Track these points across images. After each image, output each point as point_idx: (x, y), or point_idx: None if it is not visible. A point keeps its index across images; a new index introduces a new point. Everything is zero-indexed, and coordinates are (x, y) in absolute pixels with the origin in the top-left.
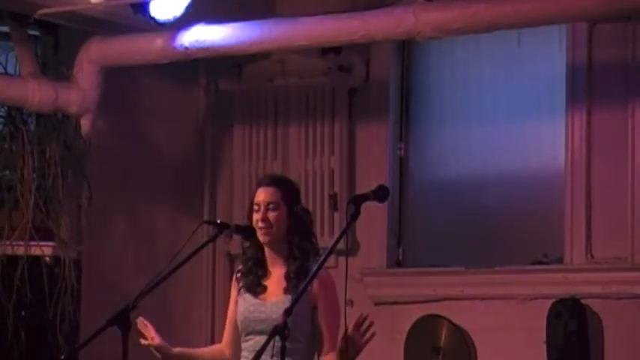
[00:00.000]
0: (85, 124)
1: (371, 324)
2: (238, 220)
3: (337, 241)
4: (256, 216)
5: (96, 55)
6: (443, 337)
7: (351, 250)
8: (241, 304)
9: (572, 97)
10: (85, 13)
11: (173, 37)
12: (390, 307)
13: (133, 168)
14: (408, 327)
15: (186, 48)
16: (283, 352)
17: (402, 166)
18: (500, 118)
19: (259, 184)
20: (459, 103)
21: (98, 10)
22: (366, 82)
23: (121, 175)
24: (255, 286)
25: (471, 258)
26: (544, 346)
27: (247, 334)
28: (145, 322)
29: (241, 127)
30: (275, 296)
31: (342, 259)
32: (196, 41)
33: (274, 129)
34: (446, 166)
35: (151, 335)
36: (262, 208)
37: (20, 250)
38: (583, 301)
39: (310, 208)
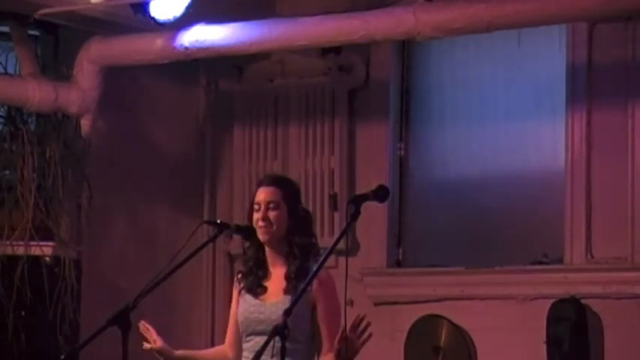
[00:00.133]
0: (85, 124)
1: (368, 324)
2: (238, 220)
3: (337, 241)
4: (257, 215)
5: (96, 55)
6: (443, 337)
7: (351, 250)
8: (242, 305)
9: (572, 97)
10: (85, 13)
11: (173, 37)
12: (390, 307)
13: (133, 168)
14: (408, 327)
15: (186, 48)
16: (283, 352)
17: (402, 166)
18: (500, 118)
19: (260, 184)
20: (459, 103)
21: (98, 10)
22: (366, 82)
23: (121, 175)
24: (256, 287)
25: (471, 258)
26: (544, 346)
27: (248, 335)
28: (147, 325)
29: (241, 127)
30: (275, 297)
31: (342, 259)
32: (196, 41)
33: (274, 129)
34: (446, 166)
35: (153, 338)
36: (263, 207)
37: (20, 250)
38: (583, 301)
39: (310, 208)
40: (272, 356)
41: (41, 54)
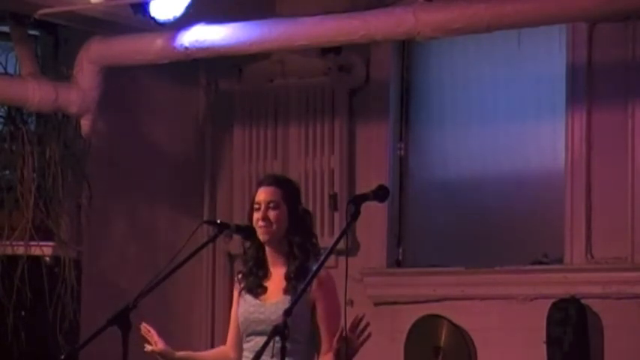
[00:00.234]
0: (85, 124)
1: (367, 324)
2: (238, 220)
3: (337, 241)
4: (257, 215)
5: (96, 55)
6: (443, 337)
7: (351, 250)
8: (242, 305)
9: (572, 97)
10: (85, 13)
11: (173, 37)
12: (390, 307)
13: (133, 168)
14: (408, 327)
15: (186, 48)
16: (283, 352)
17: (402, 166)
18: (500, 118)
19: (260, 184)
20: (459, 103)
21: (98, 10)
22: (366, 82)
23: (121, 175)
24: (256, 287)
25: (471, 258)
26: (544, 346)
27: (248, 335)
28: (148, 327)
29: (241, 127)
30: (275, 297)
31: (342, 259)
32: (196, 41)
33: (274, 129)
34: (446, 166)
35: (154, 340)
36: (263, 207)
37: (20, 250)
38: (583, 301)
39: (310, 208)
40: (272, 356)
41: (41, 54)
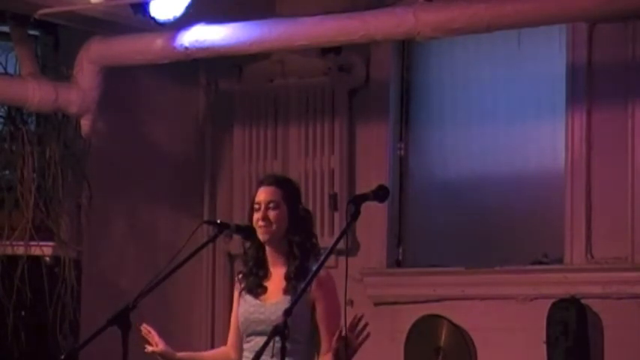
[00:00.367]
0: (85, 124)
1: (366, 324)
2: (238, 220)
3: (337, 241)
4: (257, 215)
5: (96, 55)
6: (443, 337)
7: (351, 250)
8: (242, 306)
9: (572, 97)
10: (85, 13)
11: (173, 37)
12: (390, 307)
13: (133, 168)
14: (408, 327)
15: (186, 48)
16: (283, 352)
17: (402, 166)
18: (500, 118)
19: (260, 184)
20: (459, 103)
21: (98, 10)
22: (366, 82)
23: (121, 175)
24: (256, 287)
25: (471, 258)
26: (544, 346)
27: (248, 335)
28: (149, 328)
29: (241, 127)
30: (275, 297)
31: (342, 259)
32: (196, 41)
33: (274, 129)
34: (446, 166)
35: (155, 341)
36: (263, 206)
37: (20, 250)
38: (583, 301)
39: (310, 208)
40: (272, 356)
41: (41, 54)
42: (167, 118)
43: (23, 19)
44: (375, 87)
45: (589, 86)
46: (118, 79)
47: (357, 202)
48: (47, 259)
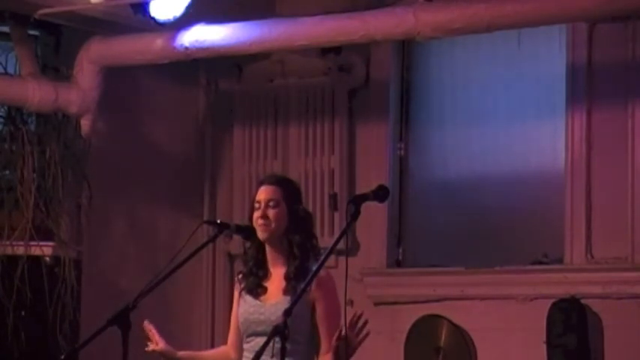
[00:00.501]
0: (85, 124)
1: (366, 322)
2: (238, 220)
3: (337, 241)
4: (256, 213)
5: (96, 55)
6: (443, 337)
7: (351, 250)
8: (242, 306)
9: (572, 97)
10: (85, 13)
11: (173, 37)
12: (390, 307)
13: (133, 168)
14: (408, 327)
15: (186, 48)
16: (283, 352)
17: (402, 166)
18: (500, 118)
19: (261, 183)
20: (459, 103)
21: (98, 10)
22: (366, 82)
23: (121, 175)
24: (256, 288)
25: (471, 258)
26: (544, 346)
27: (248, 336)
28: (150, 326)
29: (241, 127)
30: (275, 297)
31: (342, 259)
32: (196, 41)
33: (274, 129)
34: (446, 166)
35: (156, 339)
36: (262, 205)
37: (20, 250)
38: (583, 301)
39: (310, 208)
40: (272, 356)
41: (41, 54)
42: (167, 118)
43: (23, 19)
44: (375, 87)
45: (589, 86)
46: (118, 79)
47: (357, 202)
48: (47, 259)
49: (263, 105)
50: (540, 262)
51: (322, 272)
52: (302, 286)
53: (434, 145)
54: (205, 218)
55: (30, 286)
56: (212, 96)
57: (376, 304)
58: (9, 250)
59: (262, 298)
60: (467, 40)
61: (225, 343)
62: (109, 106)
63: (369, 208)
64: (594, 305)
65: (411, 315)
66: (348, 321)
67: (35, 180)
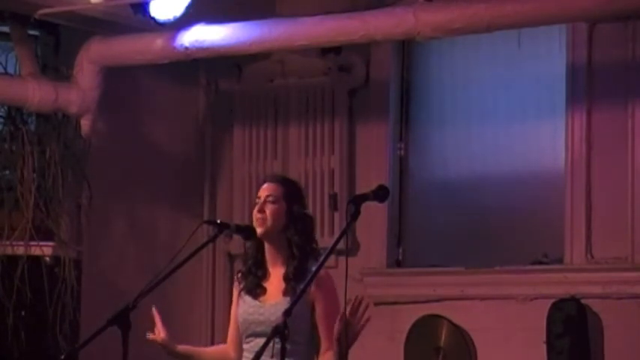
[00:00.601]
0: (85, 124)
1: (367, 306)
2: (238, 220)
3: (337, 241)
4: (255, 208)
5: (96, 55)
6: (443, 337)
7: (351, 250)
8: (241, 306)
9: (572, 97)
10: (85, 13)
11: (173, 37)
12: (390, 307)
13: (133, 168)
14: (408, 327)
15: (186, 48)
16: (283, 352)
17: (402, 166)
18: (500, 118)
19: (264, 181)
20: (459, 103)
21: (98, 10)
22: (366, 82)
23: (121, 175)
24: (255, 288)
25: (471, 258)
26: (544, 346)
27: (248, 336)
28: (157, 313)
29: (241, 127)
30: (274, 298)
31: (342, 259)
32: (196, 41)
33: (274, 129)
34: (446, 166)
35: (158, 328)
36: (262, 200)
37: (20, 250)
38: (583, 301)
39: (310, 208)
40: (272, 357)
41: (41, 54)
42: (167, 118)
43: (23, 19)
44: (375, 87)
45: (589, 86)
46: (118, 79)
47: (357, 202)
48: (47, 259)
49: (263, 105)
50: (540, 262)
51: (322, 272)
52: (301, 286)
53: (434, 145)
54: (205, 218)
55: (30, 286)
56: (212, 96)
57: (376, 304)
58: (9, 250)
59: (262, 298)
60: (467, 40)
61: (224, 342)
62: (109, 106)
63: (369, 208)
64: (594, 305)
65: (411, 315)
66: (349, 306)
67: (35, 180)
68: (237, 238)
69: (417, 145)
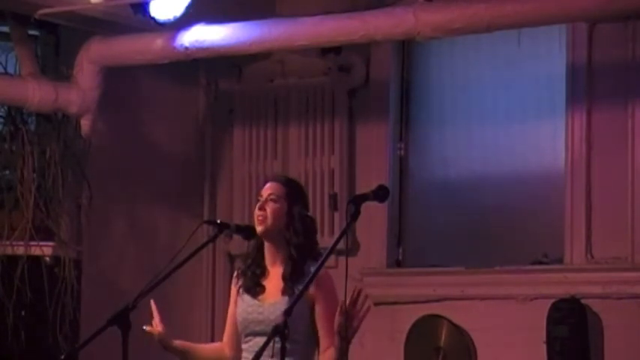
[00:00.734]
0: (85, 124)
1: (367, 297)
2: (238, 220)
3: (337, 241)
4: (257, 206)
5: (96, 55)
6: (443, 337)
7: (351, 250)
8: (240, 305)
9: (572, 97)
10: (85, 13)
11: (173, 37)
12: (390, 307)
13: (133, 168)
14: (408, 327)
15: (186, 48)
16: (283, 352)
17: (402, 166)
18: (500, 118)
19: (267, 180)
20: (459, 103)
21: (98, 10)
22: (366, 82)
23: (121, 175)
24: (254, 286)
25: (471, 258)
26: (544, 346)
27: (247, 335)
28: (155, 307)
29: (241, 127)
30: (273, 297)
31: (342, 259)
32: (196, 41)
33: (274, 129)
34: (446, 166)
35: (156, 322)
36: (264, 198)
37: (20, 250)
38: (583, 301)
39: (310, 208)
40: (272, 356)
41: (41, 54)
42: (167, 118)
43: (23, 19)
44: (375, 87)
45: (589, 86)
46: (118, 79)
47: (357, 202)
48: (47, 259)
49: (263, 105)
50: (540, 262)
51: (321, 272)
52: (300, 286)
53: (434, 145)
54: (205, 218)
55: (30, 286)
56: (212, 96)
57: (376, 304)
58: (9, 250)
59: (261, 297)
60: (467, 40)
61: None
62: (109, 106)
63: (369, 208)
64: (594, 305)
65: (411, 315)
66: (349, 297)
67: (35, 180)
68: (237, 238)
69: (417, 145)
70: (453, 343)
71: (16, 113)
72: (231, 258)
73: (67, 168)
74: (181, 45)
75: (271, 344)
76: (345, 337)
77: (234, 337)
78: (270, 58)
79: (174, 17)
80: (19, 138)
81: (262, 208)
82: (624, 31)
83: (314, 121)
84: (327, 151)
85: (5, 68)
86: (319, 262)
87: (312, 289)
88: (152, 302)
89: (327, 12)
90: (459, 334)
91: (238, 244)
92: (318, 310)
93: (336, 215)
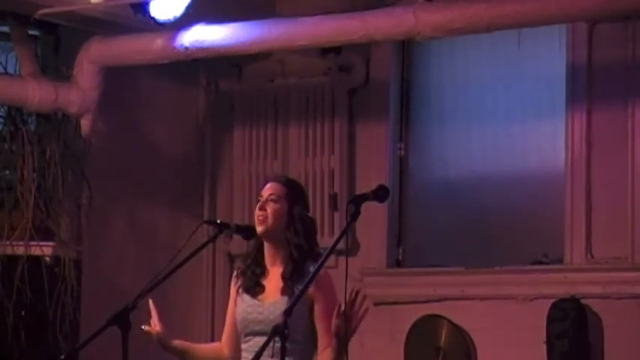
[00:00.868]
0: (85, 124)
1: (364, 298)
2: (238, 220)
3: (337, 241)
4: (257, 206)
5: (96, 55)
6: (443, 337)
7: (351, 250)
8: (240, 305)
9: (572, 97)
10: (85, 13)
11: (173, 37)
12: (390, 307)
13: (133, 168)
14: (408, 327)
15: (186, 48)
16: (283, 352)
17: (402, 166)
18: (500, 118)
19: (268, 181)
20: (459, 103)
21: (98, 10)
22: (366, 82)
23: (121, 175)
24: (254, 286)
25: (471, 258)
26: (544, 346)
27: (246, 335)
28: (153, 307)
29: (241, 127)
30: (273, 297)
31: (342, 259)
32: (196, 41)
33: (274, 129)
34: (446, 166)
35: (154, 321)
36: (264, 198)
37: (20, 250)
38: (583, 301)
39: (310, 208)
40: (272, 356)
41: (41, 54)
42: (167, 118)
43: (23, 19)
44: (375, 87)
45: (589, 86)
46: (118, 79)
47: (357, 202)
48: (47, 259)
49: (263, 105)
50: (540, 262)
51: (321, 272)
52: (300, 286)
53: (434, 145)
54: (205, 218)
55: (30, 286)
56: (212, 96)
57: (376, 304)
58: (9, 250)
59: (260, 297)
60: (467, 40)
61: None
62: (109, 106)
63: (369, 208)
64: (594, 305)
65: (411, 315)
66: (347, 298)
67: (35, 180)
68: (237, 238)
69: (417, 145)
70: (453, 343)
71: (16, 113)
72: (231, 258)
73: (67, 168)
74: (181, 45)
75: (271, 344)
76: (342, 338)
77: (233, 336)
78: (270, 58)
79: (174, 17)
80: (19, 138)
81: (263, 209)
82: (624, 31)
83: (314, 121)
84: (327, 151)
85: (5, 68)
86: (319, 262)
87: (311, 289)
88: (150, 302)
89: (327, 12)
90: (459, 334)
91: (238, 244)
92: (317, 309)
93: (336, 215)
